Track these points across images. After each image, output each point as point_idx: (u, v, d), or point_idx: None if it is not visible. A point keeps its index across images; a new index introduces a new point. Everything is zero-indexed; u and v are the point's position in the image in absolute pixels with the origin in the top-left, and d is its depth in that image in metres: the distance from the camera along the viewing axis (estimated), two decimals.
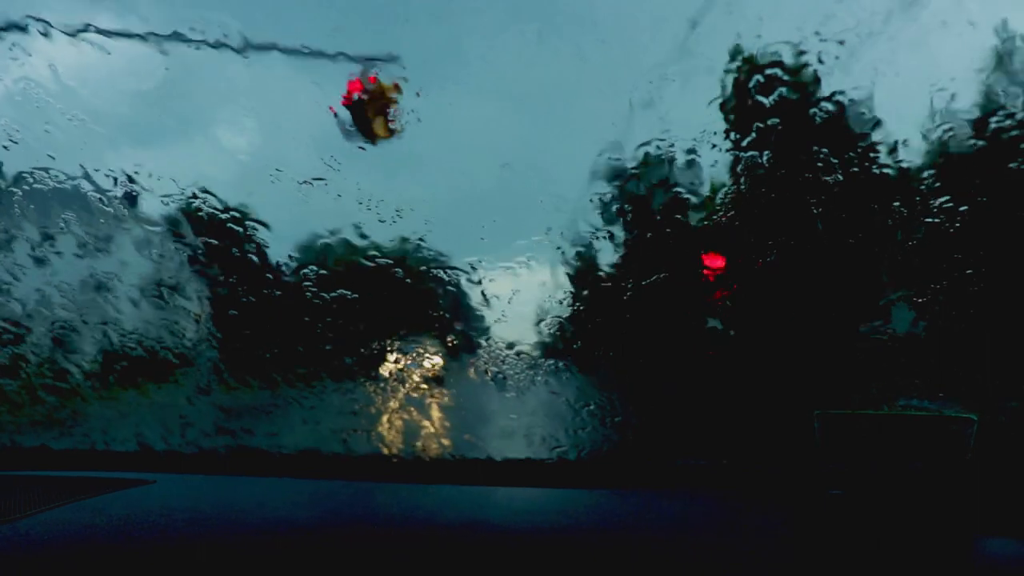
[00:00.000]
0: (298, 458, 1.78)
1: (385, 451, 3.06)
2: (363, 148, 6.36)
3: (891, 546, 1.35)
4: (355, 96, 6.68)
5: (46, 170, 4.17)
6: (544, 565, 1.20)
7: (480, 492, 1.58)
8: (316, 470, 1.71)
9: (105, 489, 1.52)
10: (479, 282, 5.01)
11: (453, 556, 1.20)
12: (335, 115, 6.43)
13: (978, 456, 1.58)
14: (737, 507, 1.56)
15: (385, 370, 4.85)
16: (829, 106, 11.22)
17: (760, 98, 11.99)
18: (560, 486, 1.62)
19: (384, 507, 1.47)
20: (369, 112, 6.95)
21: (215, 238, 5.40)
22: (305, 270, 4.92)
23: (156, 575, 1.16)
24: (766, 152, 12.17)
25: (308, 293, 5.00)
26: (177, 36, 5.37)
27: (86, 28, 4.45)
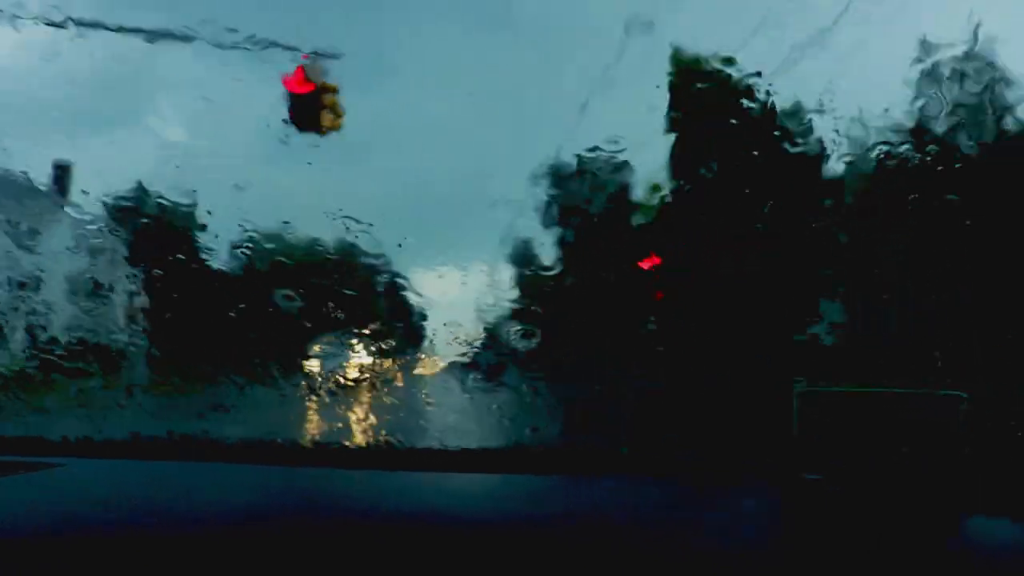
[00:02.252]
0: (225, 447, 1.73)
1: (319, 441, 3.02)
2: (295, 139, 6.28)
3: (875, 531, 1.22)
4: (299, 87, 6.62)
5: None
6: (510, 553, 1.18)
7: (418, 478, 1.54)
8: (245, 457, 1.67)
9: (7, 472, 1.46)
10: (413, 282, 5.00)
11: (378, 541, 1.19)
12: (289, 105, 6.34)
13: (969, 434, 1.44)
14: (711, 493, 1.48)
15: (313, 368, 4.81)
16: (764, 110, 11.25)
17: (698, 103, 12.02)
18: (501, 472, 1.58)
19: (321, 494, 1.46)
20: (314, 104, 6.89)
21: (148, 231, 5.30)
22: (238, 265, 4.87)
23: (61, 561, 1.13)
24: (704, 155, 12.24)
25: (243, 289, 4.93)
26: (108, 25, 5.25)
27: (16, 14, 4.34)
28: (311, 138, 5.67)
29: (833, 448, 1.49)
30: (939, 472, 1.40)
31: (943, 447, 1.45)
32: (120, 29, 4.86)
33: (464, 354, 4.69)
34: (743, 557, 1.17)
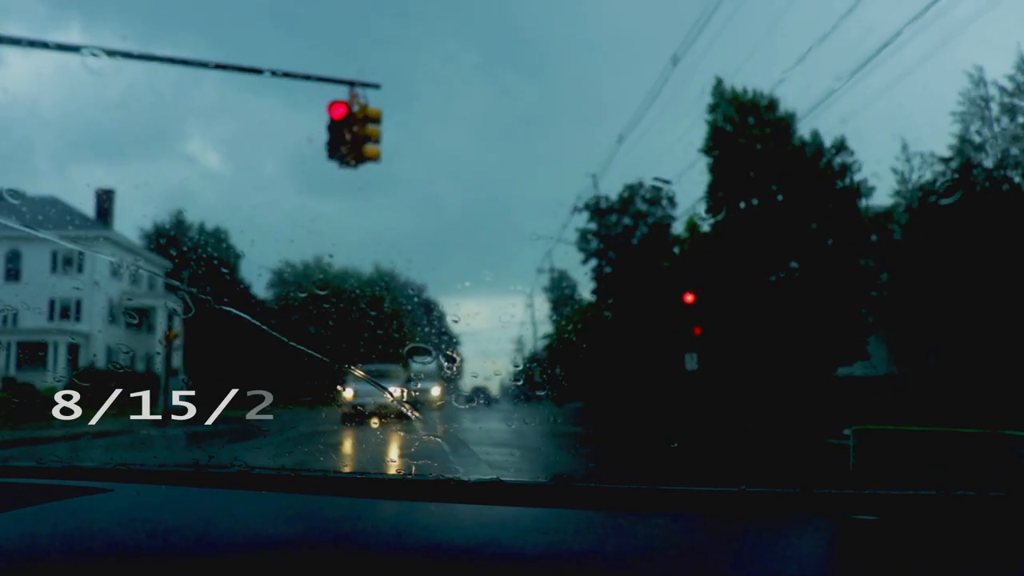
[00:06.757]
0: (269, 476, 1.69)
1: (360, 471, 2.97)
2: (347, 167, 6.33)
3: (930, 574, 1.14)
4: (342, 116, 6.68)
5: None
6: None
7: (454, 509, 1.49)
8: (289, 486, 1.62)
9: (53, 497, 1.42)
10: (446, 313, 4.98)
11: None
12: (331, 133, 6.38)
13: None
14: (752, 531, 1.39)
15: (347, 396, 4.79)
16: (807, 147, 11.35)
17: (739, 139, 12.14)
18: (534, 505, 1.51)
19: (360, 524, 1.41)
20: (355, 133, 6.96)
21: (187, 257, 5.35)
22: (275, 293, 4.88)
23: None
24: (743, 190, 12.32)
25: (279, 316, 4.94)
26: (150, 55, 5.35)
27: (53, 43, 4.41)
28: (353, 173, 5.74)
29: (890, 488, 1.38)
30: (1001, 514, 1.28)
31: (1007, 489, 1.32)
32: (160, 59, 4.93)
33: (499, 383, 4.65)
34: None
